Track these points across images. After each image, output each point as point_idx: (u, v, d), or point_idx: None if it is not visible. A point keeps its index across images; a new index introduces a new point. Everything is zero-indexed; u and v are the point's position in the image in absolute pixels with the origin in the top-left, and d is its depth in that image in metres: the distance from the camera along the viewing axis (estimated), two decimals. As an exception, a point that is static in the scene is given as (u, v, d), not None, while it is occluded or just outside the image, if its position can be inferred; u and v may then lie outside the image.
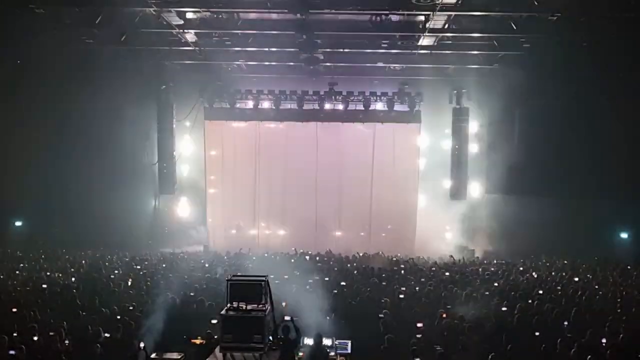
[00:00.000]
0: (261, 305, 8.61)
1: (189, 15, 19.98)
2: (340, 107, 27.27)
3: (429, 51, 22.43)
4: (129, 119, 26.86)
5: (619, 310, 13.78)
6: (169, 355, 10.05)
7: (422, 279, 17.65)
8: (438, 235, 27.65)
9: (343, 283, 16.66)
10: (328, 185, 28.27)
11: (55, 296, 14.88)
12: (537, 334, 11.70)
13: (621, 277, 18.99)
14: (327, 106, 27.31)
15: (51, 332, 10.98)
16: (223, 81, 27.59)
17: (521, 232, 25.34)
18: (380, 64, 25.07)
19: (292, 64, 24.68)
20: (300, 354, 9.93)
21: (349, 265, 21.50)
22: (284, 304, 12.11)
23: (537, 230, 24.62)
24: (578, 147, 24.17)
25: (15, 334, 10.91)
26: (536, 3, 17.22)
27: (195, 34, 21.38)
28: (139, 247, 25.61)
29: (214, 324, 11.23)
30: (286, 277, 16.98)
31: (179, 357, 9.98)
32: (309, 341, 10.23)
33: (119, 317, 12.54)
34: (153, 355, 10.13)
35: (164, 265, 20.84)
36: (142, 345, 10.38)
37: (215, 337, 10.20)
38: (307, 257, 23.22)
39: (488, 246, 27.21)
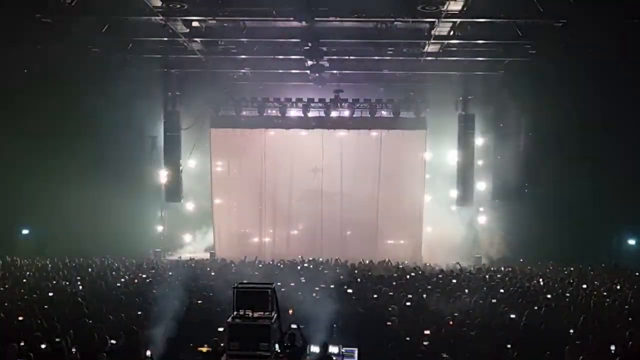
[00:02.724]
0: (268, 313, 8.57)
1: (195, 24, 20.11)
2: (346, 114, 27.28)
3: (434, 58, 22.47)
4: (135, 127, 26.95)
5: (628, 318, 13.67)
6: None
7: (429, 287, 17.58)
8: (445, 242, 27.54)
9: (350, 291, 16.61)
10: (334, 192, 28.31)
11: (61, 304, 14.88)
12: (544, 341, 11.62)
13: (629, 284, 18.86)
14: (333, 113, 27.31)
15: (58, 340, 10.97)
16: (229, 89, 27.71)
17: (528, 238, 25.26)
18: (385, 71, 25.11)
19: (297, 71, 24.75)
20: (307, 362, 9.91)
21: (355, 272, 21.44)
22: (290, 311, 12.08)
23: (545, 236, 24.54)
24: (585, 153, 24.08)
25: (22, 343, 10.90)
26: (541, 10, 17.20)
27: (202, 42, 21.50)
28: (145, 255, 25.62)
29: (220, 331, 11.20)
30: (292, 284, 16.99)
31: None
32: (315, 349, 10.21)
33: (125, 325, 12.53)
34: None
35: (170, 273, 20.84)
36: (148, 353, 10.37)
37: (222, 345, 10.17)
38: (313, 265, 23.17)
39: (495, 253, 27.11)
